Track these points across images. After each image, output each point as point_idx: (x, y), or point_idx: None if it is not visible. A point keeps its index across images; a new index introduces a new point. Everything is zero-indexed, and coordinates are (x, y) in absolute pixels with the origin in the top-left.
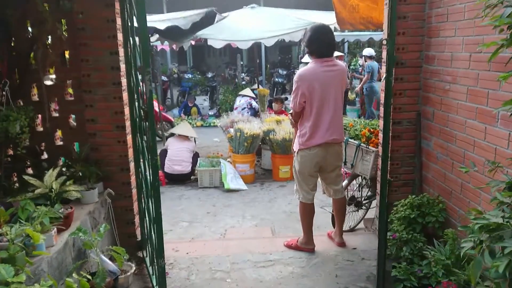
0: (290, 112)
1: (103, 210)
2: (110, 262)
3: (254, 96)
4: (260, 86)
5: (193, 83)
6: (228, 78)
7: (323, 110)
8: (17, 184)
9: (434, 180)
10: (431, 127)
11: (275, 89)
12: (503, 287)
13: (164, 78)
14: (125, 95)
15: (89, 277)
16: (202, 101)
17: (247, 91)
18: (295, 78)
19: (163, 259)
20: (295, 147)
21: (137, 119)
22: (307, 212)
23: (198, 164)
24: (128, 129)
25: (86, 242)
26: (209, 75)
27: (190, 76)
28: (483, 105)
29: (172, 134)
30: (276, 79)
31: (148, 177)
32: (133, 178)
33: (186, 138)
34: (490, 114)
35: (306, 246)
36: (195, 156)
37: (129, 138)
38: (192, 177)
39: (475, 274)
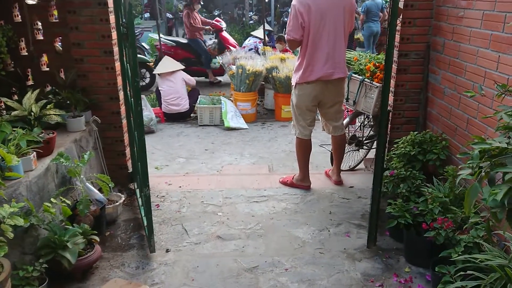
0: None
1: (91, 139)
2: (97, 191)
3: (262, 38)
4: (268, 26)
5: None
6: (236, 17)
7: (321, 40)
8: (4, 111)
9: (438, 116)
10: (440, 59)
11: (284, 29)
12: (500, 217)
13: (169, 15)
14: (112, 18)
15: (69, 202)
16: (208, 40)
17: (259, 33)
18: (293, 1)
19: (148, 188)
20: (293, 80)
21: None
22: (303, 148)
23: (198, 101)
24: (117, 55)
25: (70, 169)
26: (216, 13)
27: None
28: (499, 31)
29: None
30: (286, 19)
31: (130, 102)
32: (123, 108)
33: (172, 72)
34: (506, 40)
35: (302, 183)
36: (195, 93)
37: (117, 65)
38: (192, 115)
39: (470, 201)
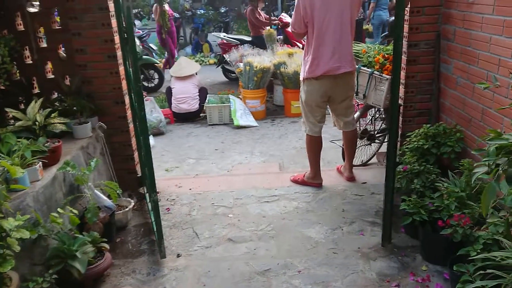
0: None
1: (99, 145)
2: (105, 198)
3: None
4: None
5: (205, 19)
6: (243, 14)
7: (326, 34)
8: (12, 121)
9: (452, 107)
10: (451, 48)
11: None
12: None
13: (175, 15)
14: (114, 22)
15: (76, 212)
16: (216, 37)
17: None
18: None
19: (155, 193)
20: (301, 75)
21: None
22: (314, 145)
23: (207, 100)
24: (121, 59)
25: (77, 177)
26: (222, 10)
27: (202, 12)
28: None
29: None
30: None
31: (134, 106)
32: (129, 112)
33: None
34: None
35: (313, 180)
36: (203, 92)
37: (121, 69)
38: (201, 115)
39: (487, 202)
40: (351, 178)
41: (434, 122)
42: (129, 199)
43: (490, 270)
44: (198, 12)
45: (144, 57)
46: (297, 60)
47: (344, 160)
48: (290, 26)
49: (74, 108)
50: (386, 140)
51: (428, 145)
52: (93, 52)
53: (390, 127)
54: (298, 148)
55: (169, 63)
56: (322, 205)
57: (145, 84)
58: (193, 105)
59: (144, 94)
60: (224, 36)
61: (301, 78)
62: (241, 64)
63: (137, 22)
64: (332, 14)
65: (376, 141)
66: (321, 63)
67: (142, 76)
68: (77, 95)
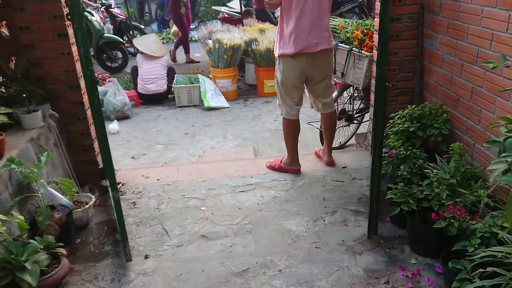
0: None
1: (52, 136)
2: (61, 196)
3: (239, 11)
4: None
5: None
6: None
7: (305, 6)
8: None
9: (437, 86)
10: (436, 22)
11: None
12: None
13: None
14: None
15: (21, 218)
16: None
17: (235, 3)
18: None
19: (117, 191)
20: (276, 51)
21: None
22: (291, 129)
23: (174, 81)
24: (73, 38)
25: (26, 174)
26: None
27: None
28: None
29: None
30: None
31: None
32: (86, 97)
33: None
34: None
35: (291, 167)
36: (171, 72)
37: (74, 49)
38: (169, 96)
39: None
40: (331, 163)
41: (418, 102)
42: (89, 194)
43: (490, 268)
44: None
45: (106, 35)
46: (269, 37)
47: (322, 143)
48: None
49: (22, 95)
50: (364, 120)
51: (414, 127)
52: (40, 30)
53: (375, 113)
54: (273, 130)
55: (185, 43)
56: (302, 194)
57: (108, 64)
58: (162, 86)
59: (107, 75)
60: (225, 9)
61: (276, 55)
62: (210, 42)
63: None
64: None
65: (354, 121)
66: (298, 39)
67: (104, 56)
68: (25, 80)
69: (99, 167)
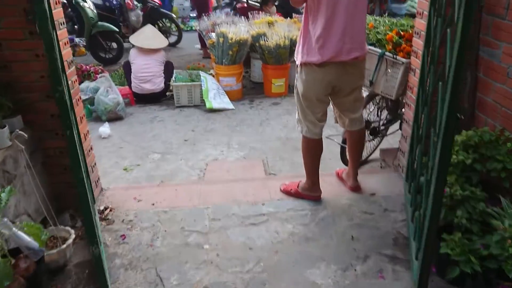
0: None
1: (23, 157)
2: (29, 239)
3: None
4: None
5: None
6: None
7: (338, 4)
8: None
9: (496, 106)
10: (502, 27)
11: None
12: None
13: None
14: None
15: None
16: (183, 0)
17: None
18: None
19: (97, 245)
20: (298, 57)
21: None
22: (313, 150)
23: (173, 77)
24: None
25: None
26: None
27: None
28: None
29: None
30: None
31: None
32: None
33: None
34: None
35: (310, 193)
36: (169, 67)
37: None
38: (167, 94)
39: None
40: (356, 188)
41: (468, 122)
42: (68, 228)
43: None
44: None
45: (100, 23)
46: (279, 31)
47: (343, 161)
48: None
49: None
50: (388, 133)
51: (470, 159)
52: (8, 26)
53: (440, 155)
54: (283, 139)
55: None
56: (325, 230)
57: (102, 55)
58: (158, 84)
59: (100, 68)
60: None
61: (297, 62)
62: (213, 35)
63: None
64: None
65: (380, 135)
66: (327, 44)
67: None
68: None
69: None
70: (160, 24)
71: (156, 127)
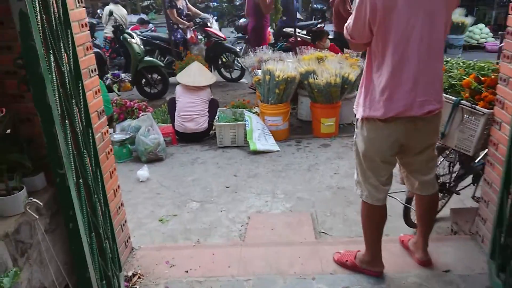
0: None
1: (44, 221)
2: None
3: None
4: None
5: (219, 12)
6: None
7: (407, 50)
8: None
9: None
10: None
11: (313, 17)
12: None
13: None
14: None
15: None
16: (229, 33)
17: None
18: None
19: None
20: (359, 110)
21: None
22: (374, 218)
23: (217, 116)
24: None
25: None
26: (237, 2)
27: (215, 4)
28: None
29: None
30: (315, 5)
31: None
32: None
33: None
34: None
35: (370, 267)
36: (214, 105)
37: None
38: (210, 133)
39: None
40: (427, 263)
41: None
42: None
43: None
44: (211, 5)
45: (146, 58)
46: (330, 68)
47: (408, 224)
48: (344, 30)
49: None
50: (458, 189)
51: None
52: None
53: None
54: (334, 189)
55: None
56: None
57: (147, 90)
58: (202, 124)
59: (144, 104)
60: (299, 32)
61: (357, 116)
62: (259, 72)
63: (143, 16)
64: (418, 19)
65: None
66: (394, 96)
67: (143, 81)
68: (10, 142)
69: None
70: (224, 59)
71: (197, 170)
